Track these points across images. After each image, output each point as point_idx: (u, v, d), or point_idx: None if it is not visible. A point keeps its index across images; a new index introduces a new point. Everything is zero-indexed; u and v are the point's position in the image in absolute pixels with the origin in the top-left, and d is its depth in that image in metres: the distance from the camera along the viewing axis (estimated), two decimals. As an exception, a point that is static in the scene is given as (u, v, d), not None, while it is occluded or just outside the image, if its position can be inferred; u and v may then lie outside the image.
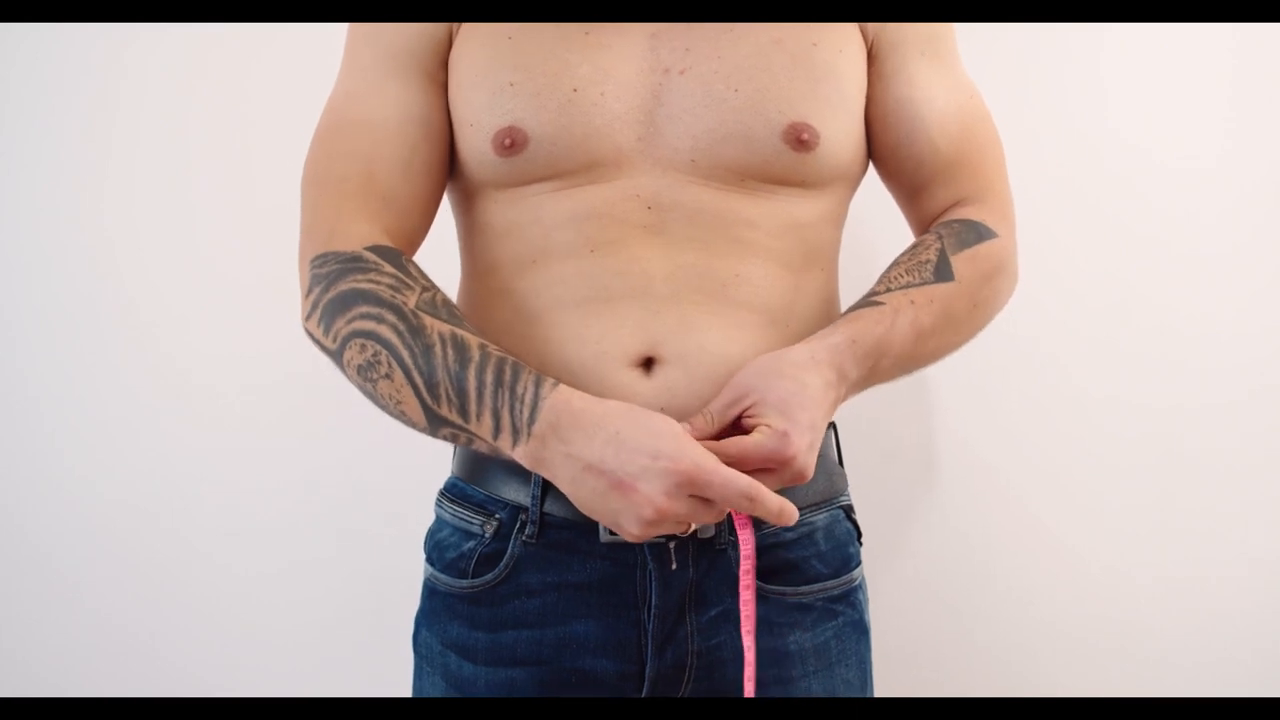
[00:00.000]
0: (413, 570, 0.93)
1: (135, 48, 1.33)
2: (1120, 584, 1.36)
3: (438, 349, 0.74)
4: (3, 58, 1.33)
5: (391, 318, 0.75)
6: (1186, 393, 1.34)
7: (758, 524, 0.82)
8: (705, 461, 0.69)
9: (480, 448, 0.76)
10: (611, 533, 0.80)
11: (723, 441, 0.73)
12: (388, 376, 0.75)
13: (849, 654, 0.87)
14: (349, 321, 0.76)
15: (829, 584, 0.86)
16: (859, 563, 0.90)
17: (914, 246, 0.86)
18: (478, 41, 0.83)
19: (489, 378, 0.73)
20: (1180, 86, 1.33)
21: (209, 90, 1.34)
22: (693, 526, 0.75)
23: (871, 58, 0.87)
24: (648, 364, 0.79)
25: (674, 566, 0.81)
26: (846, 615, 0.87)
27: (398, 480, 1.31)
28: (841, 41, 0.84)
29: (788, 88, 0.81)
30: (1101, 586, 1.36)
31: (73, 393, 1.35)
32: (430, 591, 0.89)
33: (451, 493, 0.90)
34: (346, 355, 0.77)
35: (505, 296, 0.83)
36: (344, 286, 0.77)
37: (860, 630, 0.88)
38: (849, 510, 0.91)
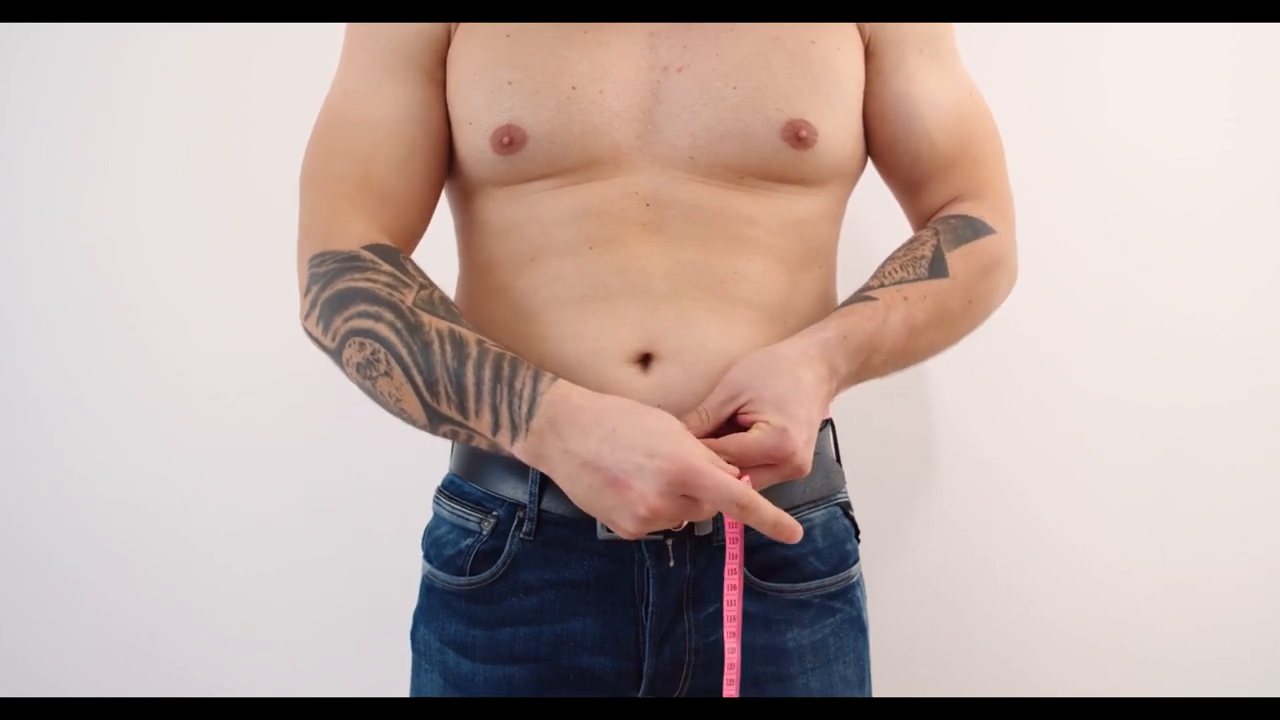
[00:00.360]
0: (411, 568, 0.93)
1: (135, 48, 1.33)
2: (1120, 584, 1.35)
3: (436, 346, 0.74)
4: (3, 58, 1.33)
5: (389, 315, 0.75)
6: (1186, 393, 1.34)
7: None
8: (701, 463, 0.68)
9: (480, 444, 0.76)
10: (609, 529, 0.80)
11: (722, 439, 0.73)
12: (387, 374, 0.75)
13: (847, 651, 0.87)
14: (347, 320, 0.76)
15: (827, 581, 0.86)
16: (857, 560, 0.90)
17: (910, 242, 0.86)
18: (476, 40, 0.84)
19: (487, 374, 0.73)
20: (1180, 86, 1.33)
21: (209, 90, 1.34)
22: (685, 521, 0.75)
23: (869, 54, 0.87)
24: (645, 360, 0.79)
25: (672, 564, 0.81)
26: (844, 612, 0.87)
27: (396, 478, 1.31)
28: (839, 39, 0.85)
29: (786, 85, 0.81)
30: (1101, 586, 1.36)
31: (73, 393, 1.36)
32: (428, 589, 0.89)
33: (449, 490, 0.90)
34: (345, 353, 0.77)
35: (504, 294, 0.83)
36: (341, 285, 0.77)
37: (858, 627, 0.88)
38: (846, 507, 0.91)
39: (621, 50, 0.82)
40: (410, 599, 0.92)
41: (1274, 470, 1.34)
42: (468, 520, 0.86)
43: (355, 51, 0.87)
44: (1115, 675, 1.36)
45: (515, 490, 0.83)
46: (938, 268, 0.82)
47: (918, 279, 0.82)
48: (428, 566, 0.89)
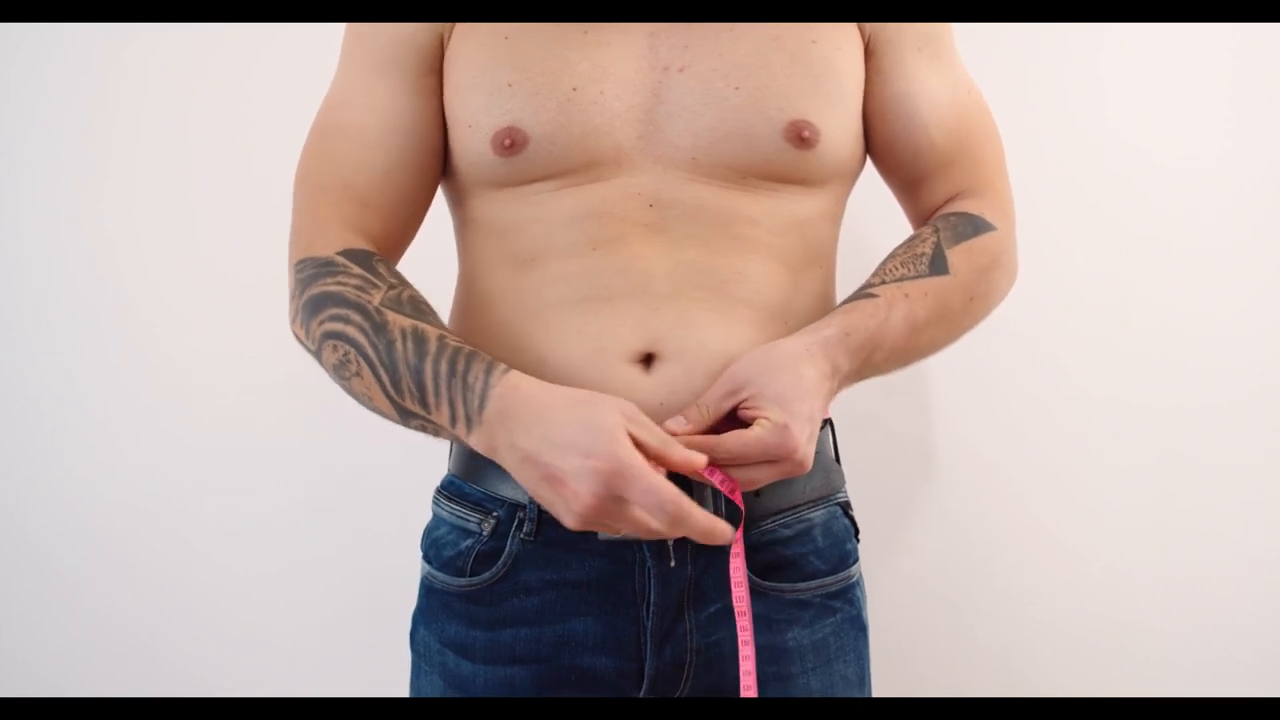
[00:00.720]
0: (410, 569, 0.93)
1: (135, 48, 1.33)
2: (1120, 584, 1.36)
3: (399, 344, 0.75)
4: (3, 58, 1.33)
5: (357, 317, 0.77)
6: (1186, 393, 1.34)
7: (752, 521, 0.82)
8: (632, 466, 0.67)
9: (446, 437, 0.77)
10: (609, 529, 0.81)
11: (723, 436, 0.73)
12: (358, 374, 0.77)
13: (847, 651, 0.87)
14: (320, 323, 0.78)
15: (827, 580, 0.86)
16: (857, 559, 0.90)
17: (910, 239, 0.86)
18: (474, 43, 0.83)
19: (443, 368, 0.74)
20: (1180, 86, 1.33)
21: (209, 90, 1.34)
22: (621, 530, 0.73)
23: (869, 54, 0.87)
24: (648, 360, 0.79)
25: (673, 563, 0.81)
26: (845, 612, 0.87)
27: (395, 478, 1.31)
28: (840, 39, 0.84)
29: (788, 85, 0.81)
30: (1101, 586, 1.36)
31: (73, 393, 1.36)
32: (427, 590, 0.89)
33: (449, 491, 0.90)
34: (323, 356, 0.79)
35: (505, 295, 0.83)
36: (316, 290, 0.80)
37: (858, 627, 0.88)
38: (846, 507, 0.91)
39: (621, 50, 0.82)
40: (410, 599, 0.92)
41: (1274, 470, 1.34)
42: (467, 521, 0.86)
43: (350, 55, 0.88)
44: (1115, 675, 1.36)
45: (515, 490, 0.83)
46: (938, 265, 0.83)
47: (919, 276, 0.82)
48: (427, 567, 0.89)
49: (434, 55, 0.85)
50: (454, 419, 0.74)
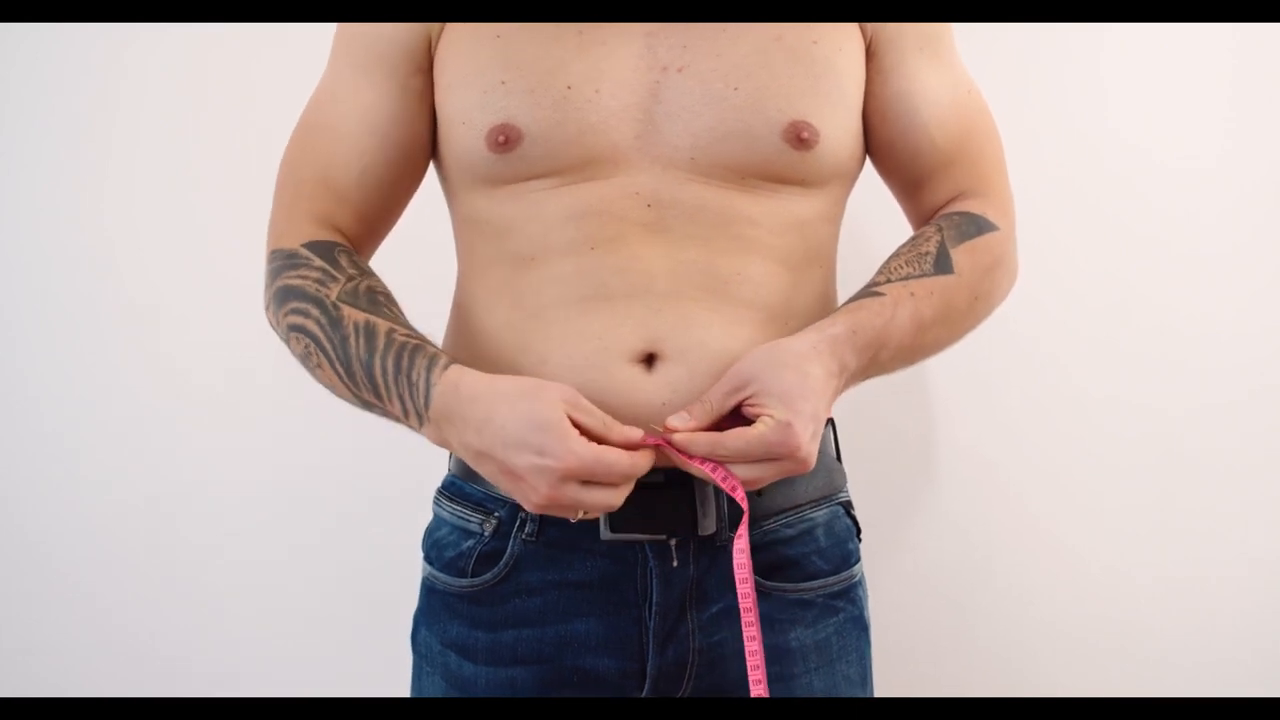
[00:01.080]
0: (412, 569, 0.93)
1: (135, 48, 1.33)
2: (1120, 584, 1.36)
3: (351, 340, 0.77)
4: (3, 58, 1.33)
5: (315, 312, 0.79)
6: (1186, 393, 1.34)
7: (757, 521, 0.82)
8: (587, 456, 0.69)
9: (410, 427, 0.78)
10: (612, 530, 0.80)
11: (726, 433, 0.73)
12: (319, 367, 0.79)
13: (849, 650, 0.87)
14: (284, 316, 0.81)
15: (829, 580, 0.86)
16: (859, 559, 0.90)
17: (914, 238, 0.86)
18: (466, 43, 0.83)
19: (390, 364, 0.76)
20: (1180, 86, 1.33)
21: (209, 90, 1.34)
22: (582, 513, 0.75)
23: (870, 54, 0.87)
24: (649, 360, 0.79)
25: (675, 564, 0.81)
26: (847, 611, 0.87)
27: (396, 479, 1.31)
28: (841, 39, 0.84)
29: (788, 86, 0.81)
30: (1101, 586, 1.36)
31: (73, 393, 1.35)
32: (429, 590, 0.89)
33: (450, 491, 0.90)
34: (291, 347, 0.82)
35: (505, 293, 0.83)
36: (280, 282, 0.82)
37: (860, 626, 0.88)
38: (848, 506, 0.91)
39: (618, 50, 0.81)
40: (410, 598, 0.92)
41: (1274, 470, 1.34)
42: (469, 521, 0.86)
43: (339, 52, 0.89)
44: (1115, 675, 1.36)
45: (515, 490, 0.83)
46: (943, 263, 0.83)
47: (924, 275, 0.82)
48: (428, 568, 0.89)
49: (422, 56, 0.86)
50: (405, 414, 0.76)
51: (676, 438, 0.74)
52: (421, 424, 0.76)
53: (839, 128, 0.83)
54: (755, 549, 0.82)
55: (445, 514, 0.89)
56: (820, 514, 0.87)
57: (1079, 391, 1.35)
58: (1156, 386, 1.34)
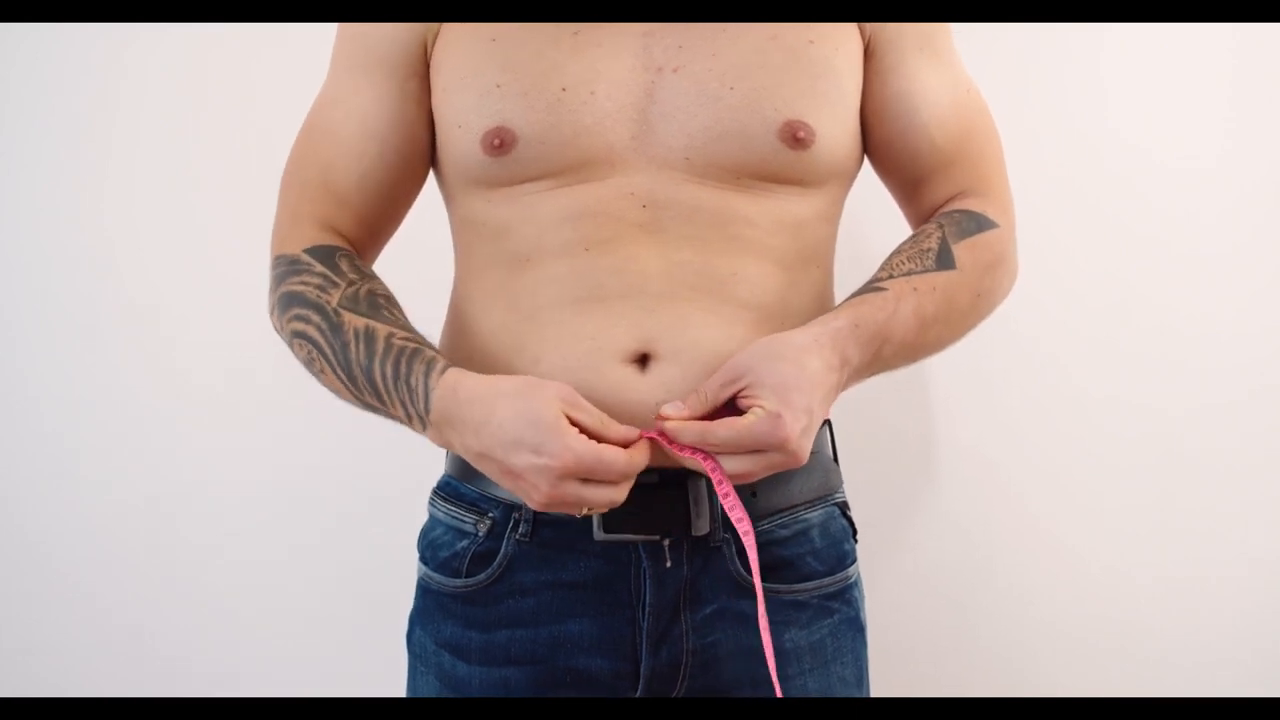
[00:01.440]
0: (407, 569, 0.93)
1: (135, 48, 1.33)
2: (1120, 584, 1.35)
3: (352, 346, 0.78)
4: (3, 58, 1.33)
5: (316, 318, 0.79)
6: (1186, 393, 1.34)
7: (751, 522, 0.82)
8: (585, 454, 0.69)
9: (415, 430, 0.79)
10: (605, 530, 0.80)
11: (714, 422, 0.72)
12: (323, 373, 0.80)
13: (845, 651, 0.87)
14: (288, 322, 0.82)
15: (824, 581, 0.86)
16: (854, 560, 0.90)
17: (915, 235, 0.86)
18: (461, 45, 0.83)
19: (389, 370, 0.76)
20: (1180, 86, 1.33)
21: (209, 90, 1.34)
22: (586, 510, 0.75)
23: (869, 54, 0.87)
24: (643, 360, 0.79)
25: (668, 564, 0.81)
26: (842, 613, 0.87)
27: (396, 479, 1.31)
28: (839, 39, 0.84)
29: (784, 85, 0.81)
30: (1101, 586, 1.36)
31: (73, 393, 1.36)
32: (424, 591, 0.89)
33: (445, 491, 0.90)
34: (294, 351, 0.82)
35: (501, 294, 0.83)
36: (283, 289, 0.83)
37: (856, 628, 0.88)
38: (844, 507, 0.91)
39: (613, 51, 0.81)
40: (405, 598, 0.92)
41: (1274, 470, 1.34)
42: (463, 522, 0.86)
43: (338, 55, 0.90)
44: (1115, 675, 1.36)
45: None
46: (945, 259, 0.82)
47: (926, 270, 0.81)
48: (423, 568, 0.89)
49: (418, 59, 0.86)
50: (409, 418, 0.77)
51: (667, 426, 0.73)
52: (424, 427, 0.76)
53: (836, 127, 0.83)
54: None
55: (440, 514, 0.89)
56: (816, 514, 0.87)
57: (1079, 391, 1.35)
58: (1156, 386, 1.34)
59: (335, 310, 0.79)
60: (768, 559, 0.83)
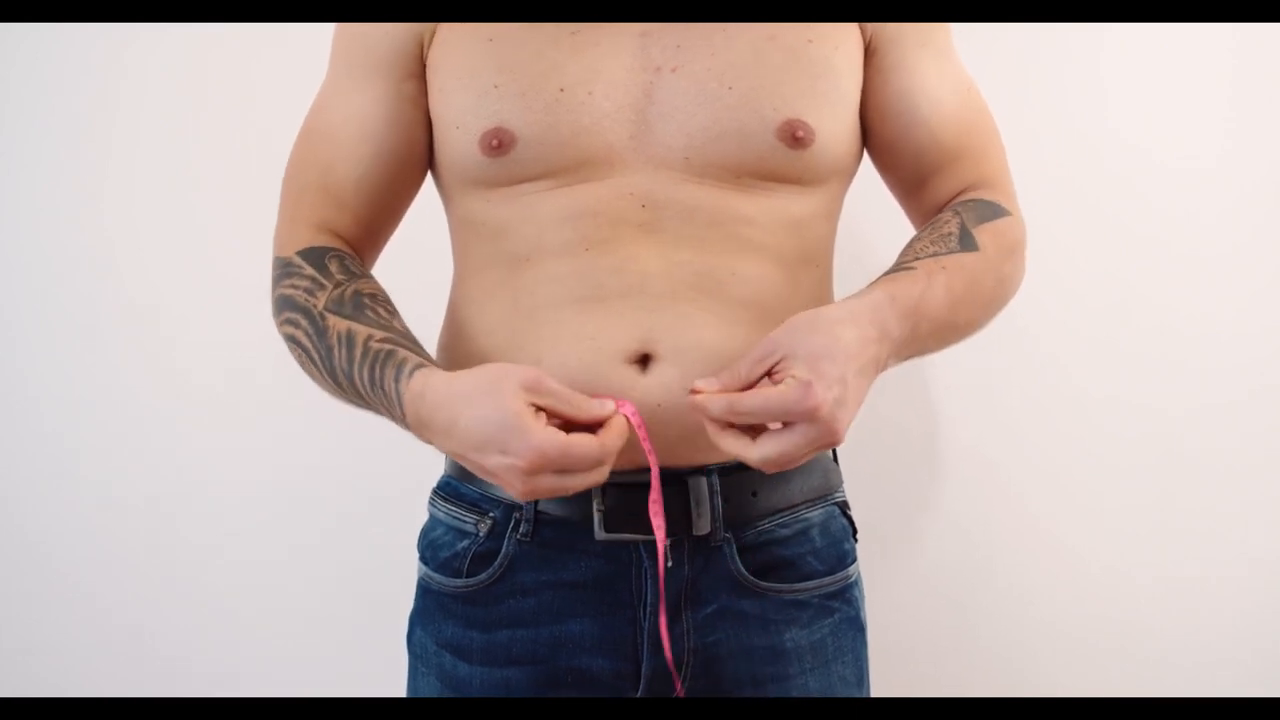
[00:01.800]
0: (407, 569, 0.93)
1: (135, 48, 1.33)
2: (1120, 584, 1.35)
3: (335, 350, 0.78)
4: (3, 58, 1.33)
5: (304, 322, 0.80)
6: (1186, 393, 1.34)
7: (752, 521, 0.82)
8: (551, 450, 0.68)
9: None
10: (606, 530, 0.80)
11: (742, 393, 0.70)
12: (315, 375, 0.81)
13: (845, 651, 0.87)
14: (281, 325, 0.83)
15: (825, 581, 0.86)
16: (855, 559, 0.90)
17: (933, 223, 0.84)
18: (459, 46, 0.83)
19: (366, 375, 0.77)
20: (1180, 86, 1.33)
21: (209, 90, 1.34)
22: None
23: (870, 52, 0.87)
24: (644, 361, 0.79)
25: (669, 564, 0.81)
26: (843, 612, 0.87)
27: (396, 479, 1.31)
28: (838, 38, 0.84)
29: (783, 85, 0.81)
30: (1101, 586, 1.36)
31: (73, 393, 1.36)
32: (424, 591, 0.89)
33: (445, 491, 0.90)
34: (290, 353, 0.83)
35: (500, 294, 0.83)
36: (277, 292, 0.84)
37: (856, 627, 0.88)
38: (844, 506, 0.91)
39: (612, 51, 0.81)
40: (405, 598, 0.92)
41: (1274, 470, 1.34)
42: (463, 522, 0.86)
43: (335, 57, 0.90)
44: (1115, 675, 1.36)
45: (510, 491, 0.83)
46: (967, 241, 0.81)
47: (950, 252, 0.80)
48: (423, 568, 0.89)
49: (414, 60, 0.86)
50: (392, 418, 0.78)
51: (697, 399, 0.71)
52: (405, 427, 0.77)
53: (835, 126, 0.83)
54: (750, 549, 0.83)
55: (440, 514, 0.89)
56: (816, 514, 0.87)
57: (1079, 391, 1.35)
58: (1156, 386, 1.34)
59: (320, 314, 0.80)
60: (768, 558, 0.84)
